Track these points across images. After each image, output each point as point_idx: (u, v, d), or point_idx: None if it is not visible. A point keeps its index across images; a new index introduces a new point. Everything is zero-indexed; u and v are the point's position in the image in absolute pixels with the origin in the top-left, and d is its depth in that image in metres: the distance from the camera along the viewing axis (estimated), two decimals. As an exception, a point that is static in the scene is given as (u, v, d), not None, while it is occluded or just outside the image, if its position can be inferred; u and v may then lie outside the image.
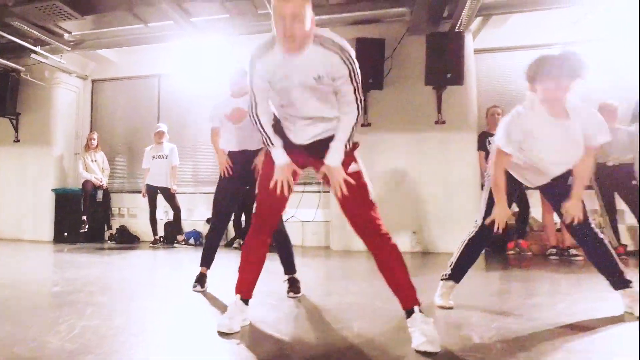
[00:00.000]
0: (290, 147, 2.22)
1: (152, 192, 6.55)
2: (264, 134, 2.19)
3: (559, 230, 5.11)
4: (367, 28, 5.85)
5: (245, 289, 2.30)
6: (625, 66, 5.80)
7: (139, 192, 6.99)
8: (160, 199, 6.60)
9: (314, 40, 1.99)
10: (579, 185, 2.55)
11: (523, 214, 5.37)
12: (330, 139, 2.12)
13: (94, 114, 7.95)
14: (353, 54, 2.02)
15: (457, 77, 5.46)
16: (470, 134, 5.75)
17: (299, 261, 3.29)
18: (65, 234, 7.00)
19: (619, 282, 2.58)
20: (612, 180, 5.05)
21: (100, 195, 7.05)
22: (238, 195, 3.45)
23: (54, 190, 7.18)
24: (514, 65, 6.24)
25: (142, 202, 6.85)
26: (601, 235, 2.58)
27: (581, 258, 4.79)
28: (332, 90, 2.09)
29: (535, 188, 2.79)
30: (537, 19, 5.87)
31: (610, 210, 5.11)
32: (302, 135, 2.21)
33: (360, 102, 2.08)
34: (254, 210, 2.30)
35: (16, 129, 7.30)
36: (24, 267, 4.72)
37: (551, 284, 3.74)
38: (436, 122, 5.79)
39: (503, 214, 2.55)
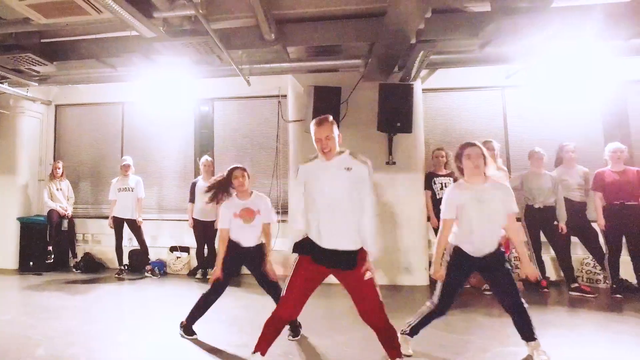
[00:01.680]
0: (316, 256, 2.90)
1: (118, 224, 6.94)
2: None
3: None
4: (324, 76, 6.48)
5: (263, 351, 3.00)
6: (553, 113, 6.72)
7: (104, 217, 7.43)
8: (126, 228, 7.02)
9: (347, 153, 2.97)
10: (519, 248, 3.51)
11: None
12: (352, 253, 2.86)
13: (58, 139, 8.21)
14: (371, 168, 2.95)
15: (406, 126, 6.15)
16: (417, 174, 6.47)
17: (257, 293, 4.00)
18: (31, 263, 7.27)
19: (529, 334, 3.41)
20: (538, 220, 5.88)
21: (65, 224, 7.36)
22: (235, 272, 4.20)
23: (19, 219, 7.44)
24: (459, 103, 7.07)
25: (107, 228, 7.25)
26: (525, 305, 3.39)
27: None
28: (358, 182, 2.88)
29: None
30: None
31: (536, 246, 5.95)
32: (330, 239, 2.86)
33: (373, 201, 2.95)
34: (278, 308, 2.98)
35: (-21, 157, 7.51)
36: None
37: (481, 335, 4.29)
38: (387, 163, 6.46)
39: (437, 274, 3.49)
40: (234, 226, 4.00)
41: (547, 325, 4.30)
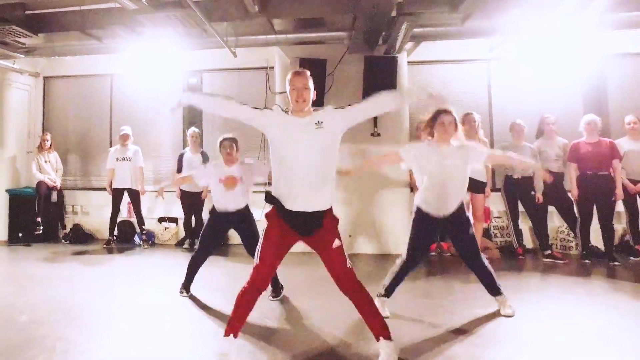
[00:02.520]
0: (285, 218, 2.84)
1: (118, 195, 7.17)
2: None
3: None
4: (310, 48, 6.66)
5: (235, 331, 2.90)
6: (536, 86, 6.98)
7: (93, 189, 7.76)
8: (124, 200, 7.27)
9: (316, 111, 2.87)
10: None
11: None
12: (320, 213, 2.83)
13: (46, 112, 8.37)
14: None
15: (390, 98, 6.41)
16: (401, 145, 6.73)
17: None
18: (20, 234, 7.51)
19: (495, 290, 3.82)
20: (516, 190, 6.20)
21: (54, 196, 7.59)
22: (222, 236, 4.58)
23: (8, 191, 7.66)
24: (445, 76, 7.31)
25: (96, 199, 7.48)
26: (486, 263, 3.80)
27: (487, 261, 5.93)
28: (333, 140, 2.83)
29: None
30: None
31: (514, 216, 6.29)
32: (300, 201, 2.80)
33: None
34: (254, 273, 2.86)
35: (-34, 130, 7.67)
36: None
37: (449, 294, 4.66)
38: (372, 135, 6.72)
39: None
40: (219, 191, 4.32)
41: (518, 290, 4.59)
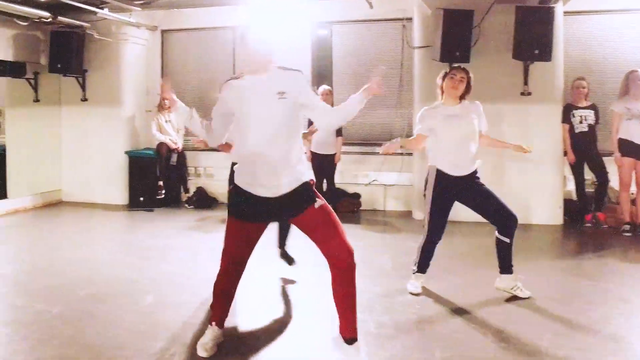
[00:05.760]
0: (254, 206, 2.86)
1: None
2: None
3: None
4: (455, -1, 6.88)
5: (219, 320, 3.04)
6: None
7: (216, 150, 8.24)
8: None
9: (277, 67, 2.91)
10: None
11: (601, 185, 6.72)
12: (302, 188, 2.81)
13: (165, 68, 8.91)
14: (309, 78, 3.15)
15: (545, 54, 6.54)
16: (554, 106, 6.93)
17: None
18: (142, 199, 8.12)
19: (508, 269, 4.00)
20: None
21: (174, 158, 8.17)
22: None
23: (127, 152, 8.33)
24: (604, 27, 7.41)
25: (220, 161, 8.07)
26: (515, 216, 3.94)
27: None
28: (294, 107, 2.80)
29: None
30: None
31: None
32: (272, 184, 2.78)
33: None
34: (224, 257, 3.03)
35: (83, 87, 8.34)
36: (102, 261, 5.22)
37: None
38: (522, 94, 6.95)
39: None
40: None
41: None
